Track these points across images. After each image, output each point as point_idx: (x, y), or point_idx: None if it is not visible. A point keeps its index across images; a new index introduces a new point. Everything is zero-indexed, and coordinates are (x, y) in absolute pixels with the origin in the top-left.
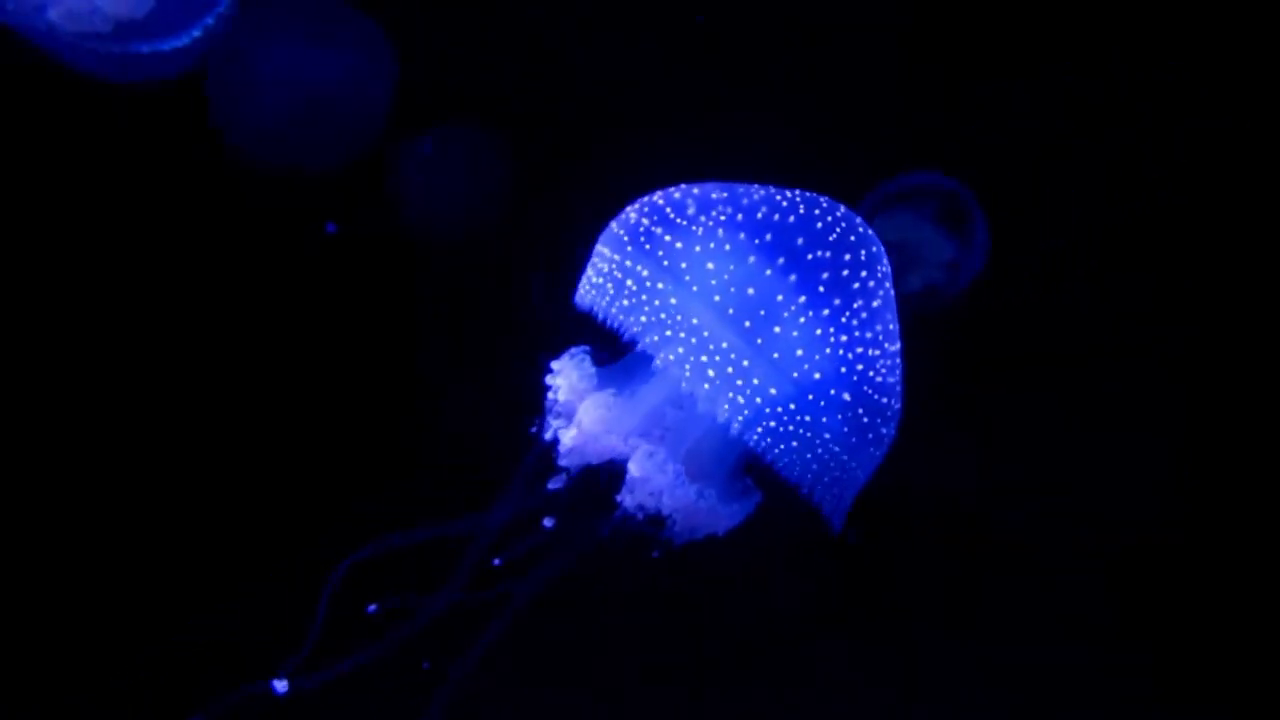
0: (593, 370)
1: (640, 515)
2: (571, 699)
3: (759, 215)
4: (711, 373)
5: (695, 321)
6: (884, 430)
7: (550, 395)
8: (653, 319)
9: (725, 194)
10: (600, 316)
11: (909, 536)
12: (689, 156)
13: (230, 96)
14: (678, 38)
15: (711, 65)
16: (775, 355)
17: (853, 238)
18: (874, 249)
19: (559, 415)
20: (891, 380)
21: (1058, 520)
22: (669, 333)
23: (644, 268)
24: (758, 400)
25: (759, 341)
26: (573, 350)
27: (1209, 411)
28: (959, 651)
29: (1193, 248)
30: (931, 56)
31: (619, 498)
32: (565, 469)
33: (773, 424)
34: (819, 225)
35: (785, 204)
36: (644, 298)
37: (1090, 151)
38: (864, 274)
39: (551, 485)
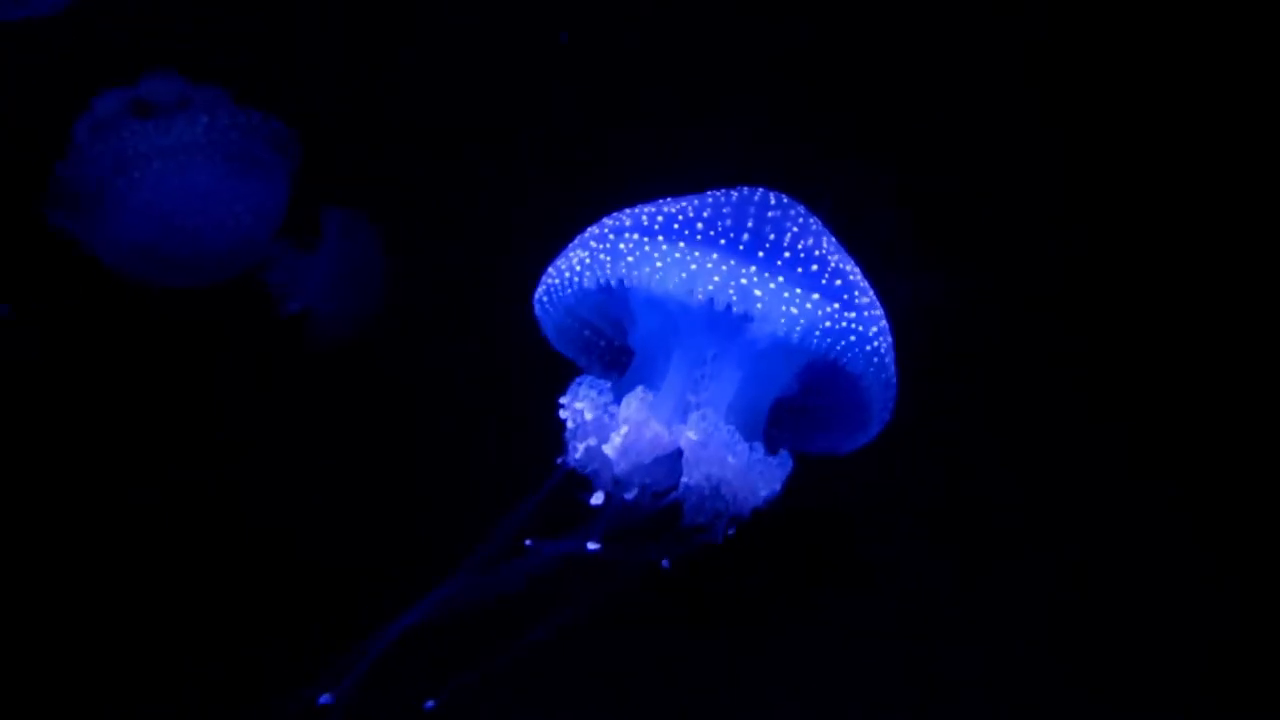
0: (606, 384)
1: (706, 488)
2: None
3: (708, 199)
4: (758, 293)
5: (715, 257)
6: (888, 335)
7: (571, 422)
8: (668, 263)
9: (669, 199)
10: (598, 286)
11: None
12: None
13: (106, 217)
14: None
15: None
16: (799, 270)
17: (785, 199)
18: (800, 205)
19: (586, 435)
20: (872, 292)
21: (1049, 522)
22: (694, 267)
23: (637, 235)
24: (807, 307)
25: (779, 263)
26: (577, 379)
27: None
28: (949, 656)
29: (1189, 248)
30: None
31: (682, 479)
32: (619, 475)
33: (828, 324)
34: (758, 194)
35: (719, 193)
36: (648, 249)
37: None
38: (812, 219)
39: (595, 500)
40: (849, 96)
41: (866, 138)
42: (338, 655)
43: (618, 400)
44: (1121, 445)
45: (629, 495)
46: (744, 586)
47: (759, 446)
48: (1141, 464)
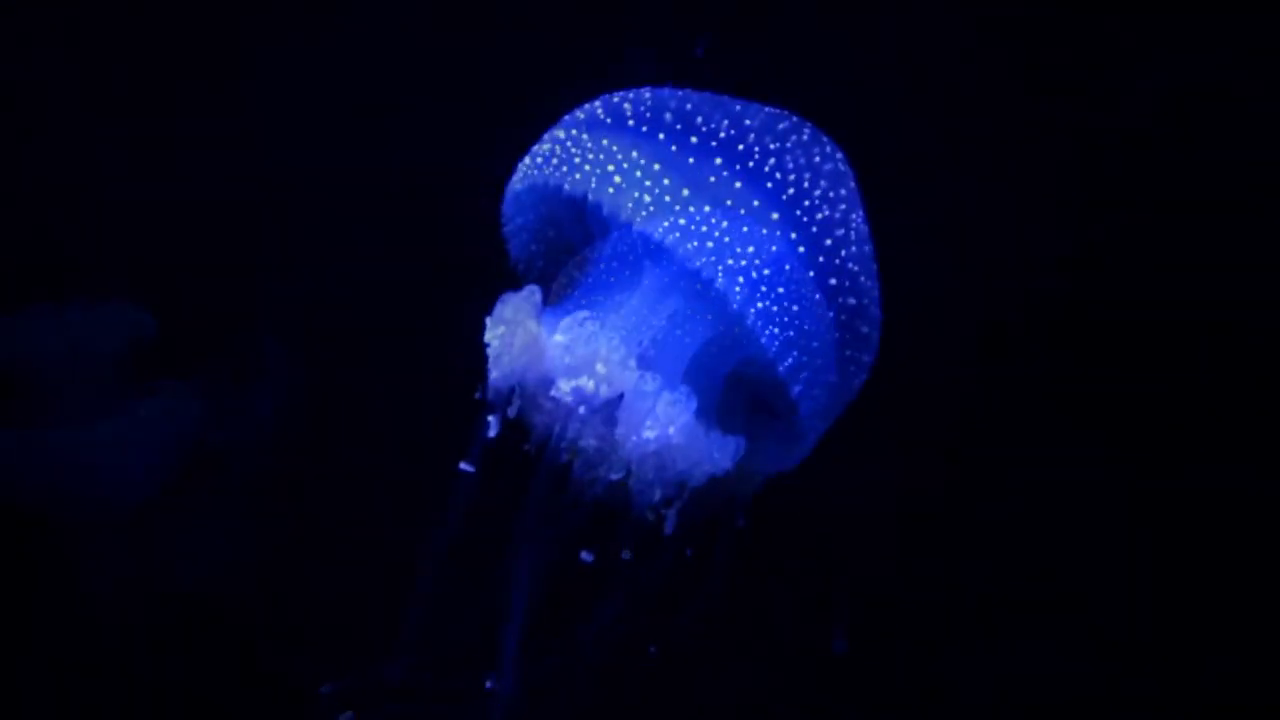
0: (537, 291)
1: (650, 456)
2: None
3: (687, 106)
4: (710, 244)
5: (667, 182)
6: (868, 324)
7: (495, 343)
8: (632, 187)
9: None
10: (569, 189)
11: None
12: None
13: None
14: None
15: None
16: (742, 212)
17: (772, 119)
18: (783, 125)
19: (512, 360)
20: (858, 250)
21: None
22: (647, 198)
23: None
24: (744, 262)
25: (728, 203)
26: (501, 297)
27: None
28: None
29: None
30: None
31: (626, 437)
32: (562, 392)
33: (764, 288)
34: (728, 115)
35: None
36: (612, 168)
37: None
38: (793, 139)
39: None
40: (848, 95)
41: (866, 136)
42: (338, 662)
43: (551, 327)
44: (1121, 446)
45: (575, 408)
46: (741, 587)
47: (712, 424)
48: (1141, 464)
